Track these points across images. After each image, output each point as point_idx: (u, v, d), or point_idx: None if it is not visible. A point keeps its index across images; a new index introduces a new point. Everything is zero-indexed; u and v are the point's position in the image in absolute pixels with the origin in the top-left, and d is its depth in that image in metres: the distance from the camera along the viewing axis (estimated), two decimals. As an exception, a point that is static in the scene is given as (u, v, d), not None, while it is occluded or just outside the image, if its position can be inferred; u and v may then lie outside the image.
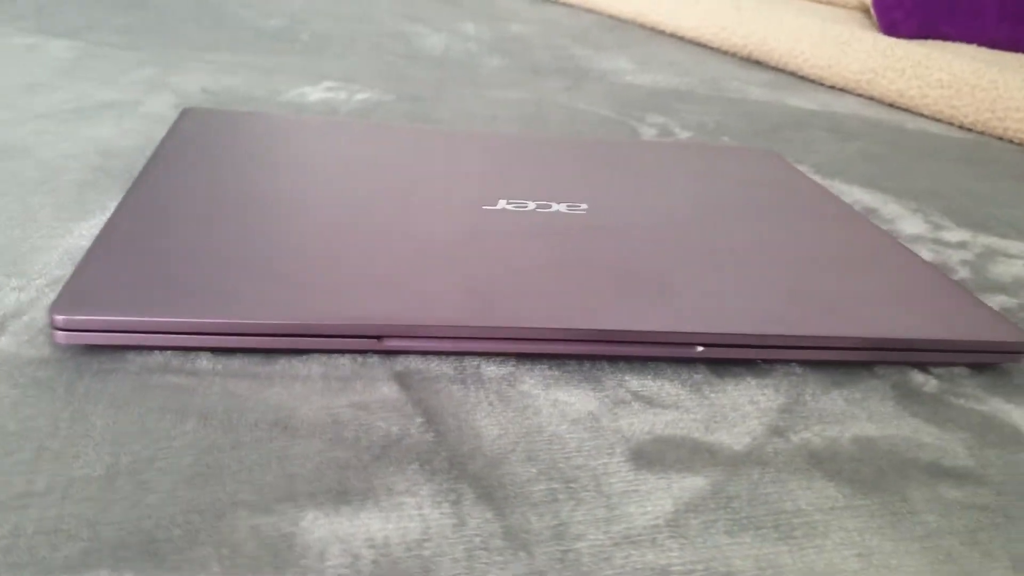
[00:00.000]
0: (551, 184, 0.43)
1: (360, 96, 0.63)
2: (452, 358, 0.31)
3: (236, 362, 0.29)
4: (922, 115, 0.77)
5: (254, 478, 0.24)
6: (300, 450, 0.25)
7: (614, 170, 0.47)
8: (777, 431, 0.29)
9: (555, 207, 0.40)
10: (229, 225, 0.34)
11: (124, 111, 0.53)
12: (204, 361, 0.29)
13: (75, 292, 0.28)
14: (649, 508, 0.25)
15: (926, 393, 0.33)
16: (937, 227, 0.50)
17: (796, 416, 0.30)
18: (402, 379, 0.29)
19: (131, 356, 0.29)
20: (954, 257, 0.46)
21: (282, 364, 0.29)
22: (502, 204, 0.40)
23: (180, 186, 0.37)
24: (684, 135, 0.63)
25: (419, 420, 0.27)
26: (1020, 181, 0.61)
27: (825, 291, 0.35)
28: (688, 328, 0.31)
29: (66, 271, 0.33)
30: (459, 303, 0.31)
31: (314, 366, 0.29)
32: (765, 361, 0.33)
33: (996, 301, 0.41)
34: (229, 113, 0.48)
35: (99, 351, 0.29)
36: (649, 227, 0.39)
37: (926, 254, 0.45)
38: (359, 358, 0.30)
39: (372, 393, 0.28)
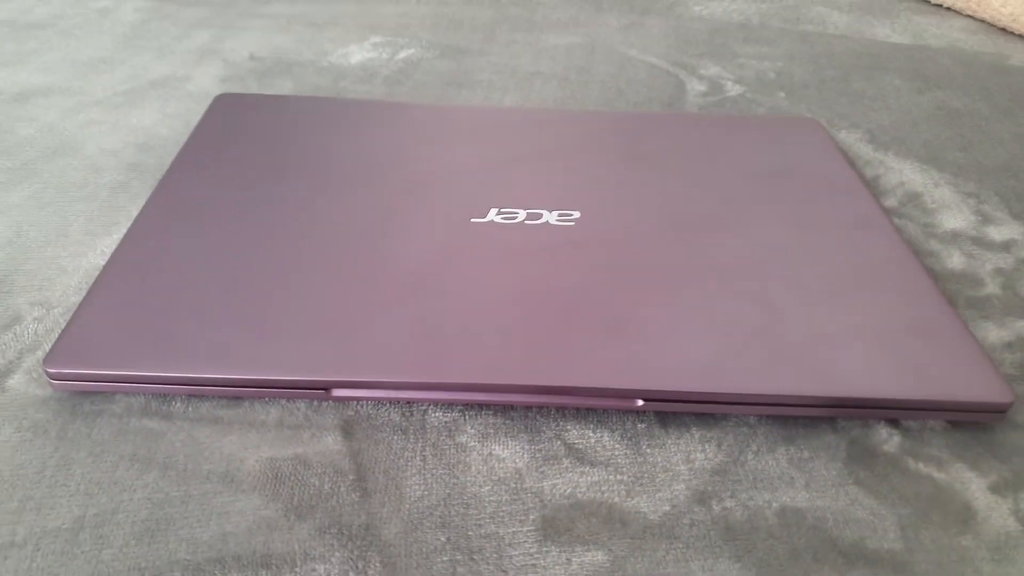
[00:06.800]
0: (549, 187, 0.43)
1: (403, 55, 0.63)
2: (401, 404, 0.33)
3: (204, 406, 0.32)
4: (1039, 43, 0.68)
5: (194, 535, 0.28)
6: (240, 506, 0.29)
7: (622, 163, 0.45)
8: (701, 498, 0.30)
9: (546, 217, 0.40)
10: (214, 264, 0.36)
11: (171, 90, 0.56)
12: (178, 404, 0.32)
13: (67, 346, 0.32)
14: (542, 584, 0.27)
15: (884, 453, 0.32)
16: (986, 220, 0.45)
17: (728, 479, 0.31)
18: (348, 427, 0.32)
19: (118, 397, 0.33)
20: (988, 264, 0.42)
21: (245, 408, 0.32)
22: (492, 215, 0.40)
23: (184, 210, 0.39)
24: (735, 91, 0.59)
25: (351, 477, 0.30)
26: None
27: (792, 336, 0.34)
28: (630, 384, 0.32)
29: (80, 297, 0.37)
30: (406, 356, 0.32)
31: (272, 410, 0.32)
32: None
33: (1016, 329, 0.38)
34: (253, 102, 0.50)
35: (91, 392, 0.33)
36: (630, 243, 0.38)
37: (957, 259, 0.42)
38: (314, 403, 0.33)
39: (316, 444, 0.31)
